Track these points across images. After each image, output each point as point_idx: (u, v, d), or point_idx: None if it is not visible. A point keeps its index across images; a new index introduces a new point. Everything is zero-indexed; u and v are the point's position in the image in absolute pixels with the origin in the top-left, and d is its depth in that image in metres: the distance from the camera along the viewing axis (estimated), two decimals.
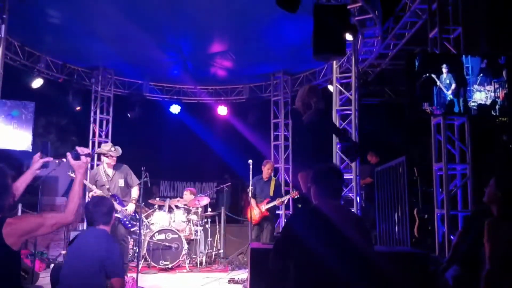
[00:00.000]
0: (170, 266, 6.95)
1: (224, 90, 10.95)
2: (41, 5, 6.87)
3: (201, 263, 7.40)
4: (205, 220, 7.87)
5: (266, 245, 4.38)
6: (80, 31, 7.67)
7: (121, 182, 5.94)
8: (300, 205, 6.54)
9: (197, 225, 7.60)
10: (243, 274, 6.28)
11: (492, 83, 5.62)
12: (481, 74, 5.62)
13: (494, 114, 5.65)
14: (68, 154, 2.67)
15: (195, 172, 11.84)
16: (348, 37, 6.28)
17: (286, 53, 8.82)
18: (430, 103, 5.53)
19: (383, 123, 9.32)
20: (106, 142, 9.31)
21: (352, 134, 7.05)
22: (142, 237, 6.72)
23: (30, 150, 6.54)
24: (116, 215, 5.65)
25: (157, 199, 8.23)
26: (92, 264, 3.10)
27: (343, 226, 2.49)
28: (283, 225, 8.03)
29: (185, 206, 7.67)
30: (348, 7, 6.14)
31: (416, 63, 5.58)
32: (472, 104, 5.58)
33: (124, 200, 5.90)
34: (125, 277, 4.94)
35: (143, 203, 6.29)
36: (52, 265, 5.92)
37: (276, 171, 9.62)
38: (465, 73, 5.59)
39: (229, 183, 8.94)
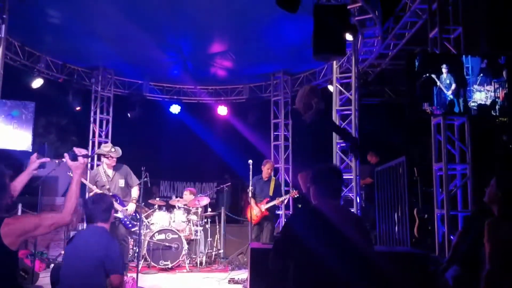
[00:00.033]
0: (170, 266, 6.94)
1: (224, 90, 10.95)
2: (41, 5, 6.87)
3: (201, 263, 7.39)
4: (205, 220, 7.87)
5: (266, 245, 4.39)
6: (80, 31, 7.67)
7: (121, 183, 5.95)
8: (300, 205, 6.54)
9: (197, 225, 7.60)
10: (243, 274, 6.28)
11: (492, 83, 5.62)
12: (481, 74, 5.61)
13: (494, 114, 5.65)
14: (66, 155, 2.68)
15: (195, 172, 11.84)
16: (348, 37, 6.29)
17: (286, 53, 8.82)
18: (430, 103, 5.52)
19: (383, 123, 9.31)
20: (106, 142, 9.32)
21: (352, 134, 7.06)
22: (142, 237, 6.71)
23: (30, 150, 6.54)
24: (117, 215, 5.66)
25: (157, 199, 8.23)
26: (92, 263, 3.10)
27: (343, 226, 2.49)
28: (283, 225, 8.03)
29: (185, 206, 7.67)
30: (348, 7, 6.15)
31: (416, 63, 5.57)
32: (472, 104, 5.58)
33: (124, 200, 5.91)
34: (125, 276, 4.93)
35: (143, 203, 6.29)
36: (52, 265, 5.92)
37: (276, 171, 9.62)
38: (465, 73, 5.58)
39: (229, 183, 8.91)
